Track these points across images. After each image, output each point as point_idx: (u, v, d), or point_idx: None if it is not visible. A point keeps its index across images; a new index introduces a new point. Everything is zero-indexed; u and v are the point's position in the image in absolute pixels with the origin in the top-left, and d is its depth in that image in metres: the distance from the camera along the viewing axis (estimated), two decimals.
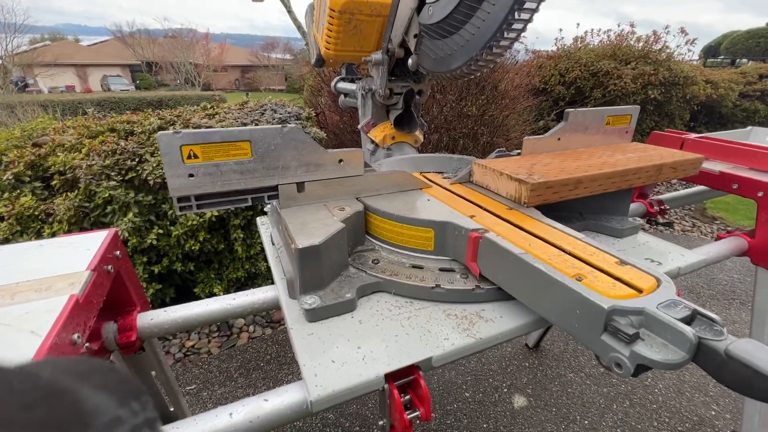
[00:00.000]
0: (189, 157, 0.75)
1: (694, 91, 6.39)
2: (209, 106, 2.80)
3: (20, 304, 0.53)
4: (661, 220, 1.43)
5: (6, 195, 1.86)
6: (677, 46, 6.62)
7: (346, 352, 0.63)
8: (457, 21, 0.80)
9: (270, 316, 2.66)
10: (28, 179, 1.95)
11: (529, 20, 0.70)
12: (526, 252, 0.67)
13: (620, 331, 0.51)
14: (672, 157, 1.13)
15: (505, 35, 0.72)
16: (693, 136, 1.48)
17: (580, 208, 1.11)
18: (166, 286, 2.26)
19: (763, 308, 1.32)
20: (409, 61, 1.03)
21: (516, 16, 0.69)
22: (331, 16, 1.09)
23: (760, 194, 1.19)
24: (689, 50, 6.90)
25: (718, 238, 1.27)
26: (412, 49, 1.02)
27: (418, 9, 0.95)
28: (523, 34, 0.76)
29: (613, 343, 0.52)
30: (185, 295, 2.35)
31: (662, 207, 1.53)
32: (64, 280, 0.58)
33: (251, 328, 2.56)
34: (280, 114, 2.64)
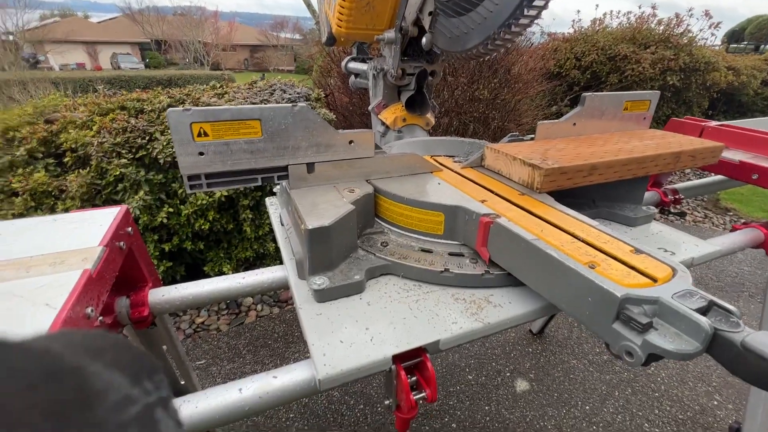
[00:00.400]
0: (199, 135, 0.74)
1: (715, 78, 6.16)
2: (218, 85, 2.78)
3: (35, 278, 0.53)
4: (673, 210, 1.40)
5: (20, 171, 1.88)
6: (700, 30, 6.37)
7: (354, 332, 0.64)
8: None
9: (277, 296, 2.70)
10: (41, 155, 1.97)
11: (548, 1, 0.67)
12: (538, 238, 0.66)
13: (633, 320, 0.50)
14: (691, 144, 1.10)
15: (526, 13, 0.69)
16: (713, 123, 1.43)
17: (593, 195, 1.09)
18: (176, 264, 2.29)
19: None
20: (423, 39, 1.00)
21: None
22: None
23: None
24: (713, 34, 6.62)
25: (734, 230, 1.24)
26: (427, 27, 0.99)
27: None
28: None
29: (624, 332, 0.51)
30: (195, 273, 2.39)
31: (677, 196, 1.49)
32: (77, 255, 0.59)
33: (259, 306, 2.60)
34: (289, 94, 2.61)
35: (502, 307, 0.71)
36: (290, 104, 0.79)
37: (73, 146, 1.95)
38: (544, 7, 0.69)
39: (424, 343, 0.62)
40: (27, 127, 2.05)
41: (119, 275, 0.69)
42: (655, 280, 0.56)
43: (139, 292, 0.79)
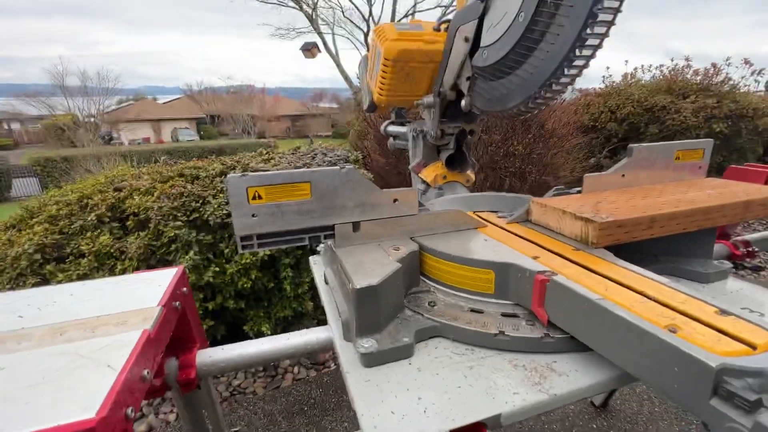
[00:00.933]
0: (254, 198, 0.78)
1: (767, 123, 5.87)
2: (265, 151, 3.01)
3: (99, 338, 0.55)
4: (747, 264, 1.26)
5: (89, 234, 2.06)
6: (742, 78, 6.22)
7: (405, 402, 0.59)
8: (514, 61, 0.81)
9: (315, 357, 2.62)
10: (108, 220, 2.16)
11: (592, 56, 0.69)
12: (603, 297, 0.61)
13: (738, 396, 0.43)
14: (760, 192, 1.02)
15: (566, 72, 0.71)
16: None
17: (655, 249, 1.01)
18: (218, 323, 2.32)
19: None
20: (462, 102, 1.04)
21: (577, 53, 0.68)
22: (384, 65, 1.15)
23: None
24: (756, 81, 6.45)
25: None
26: (465, 91, 1.03)
27: (471, 53, 0.97)
28: None
29: (727, 411, 0.44)
30: (235, 332, 2.40)
31: (749, 249, 1.36)
32: (138, 315, 0.61)
33: (296, 369, 2.53)
34: (330, 157, 2.77)
35: (568, 376, 0.64)
36: (338, 167, 0.83)
37: (135, 211, 2.13)
38: (585, 65, 0.70)
39: (483, 417, 0.56)
40: (98, 195, 2.28)
41: (171, 336, 0.70)
42: (754, 347, 0.48)
43: (187, 353, 0.79)
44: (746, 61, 6.41)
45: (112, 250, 2.02)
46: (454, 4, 1.07)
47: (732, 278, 0.98)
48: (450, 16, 1.07)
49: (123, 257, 2.02)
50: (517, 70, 0.81)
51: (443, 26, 1.12)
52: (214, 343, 0.86)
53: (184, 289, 0.79)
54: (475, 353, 0.70)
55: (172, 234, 2.02)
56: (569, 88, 0.77)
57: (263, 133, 31.71)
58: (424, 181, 1.28)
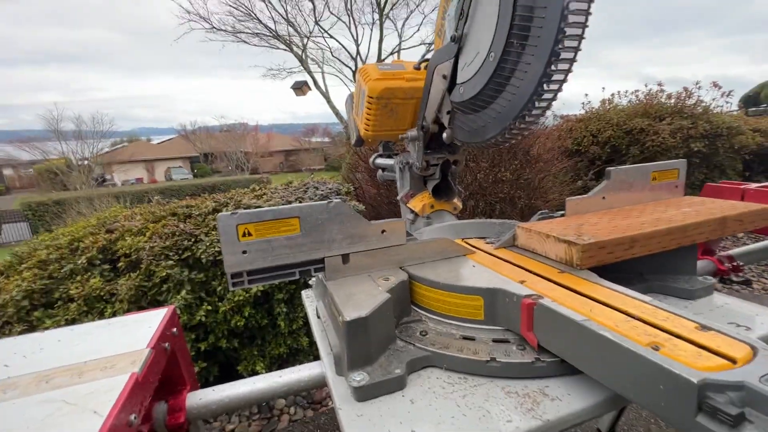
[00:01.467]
0: (244, 234, 0.80)
1: (743, 141, 6.11)
2: (257, 187, 3.05)
3: (87, 383, 0.55)
4: (735, 278, 1.29)
5: (78, 278, 2.04)
6: (713, 99, 6.54)
7: None
8: (488, 97, 0.86)
9: (311, 396, 2.54)
10: (99, 262, 2.14)
11: (559, 89, 0.74)
12: (588, 318, 0.62)
13: (720, 411, 0.44)
14: (734, 209, 1.05)
15: (537, 105, 0.76)
16: (753, 185, 1.39)
17: (640, 268, 1.03)
18: (210, 363, 2.26)
19: None
20: (444, 134, 1.09)
21: (545, 87, 0.73)
22: (369, 102, 1.21)
23: None
24: (726, 102, 6.78)
25: None
26: (446, 124, 1.08)
27: (449, 89, 1.03)
28: None
29: (714, 427, 0.44)
30: (228, 373, 2.33)
31: (734, 264, 1.38)
32: (126, 359, 0.61)
33: (292, 409, 2.44)
34: (322, 191, 2.81)
35: (561, 401, 0.64)
36: (326, 201, 0.85)
37: (127, 252, 2.12)
38: (554, 98, 0.75)
39: None
40: (89, 237, 2.28)
41: (160, 378, 0.69)
42: (734, 362, 0.50)
43: (177, 395, 0.78)
44: (715, 84, 6.78)
45: (102, 293, 1.99)
46: (433, 46, 1.15)
47: (717, 293, 0.99)
48: (429, 56, 1.14)
49: (113, 300, 1.99)
50: (492, 104, 0.86)
51: (423, 65, 1.19)
52: (207, 385, 0.84)
53: (174, 329, 0.78)
54: (468, 381, 0.70)
55: (164, 274, 2.00)
56: (548, 115, 0.81)
57: (256, 168, 32.09)
58: (412, 211, 1.31)
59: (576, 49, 0.69)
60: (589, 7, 0.66)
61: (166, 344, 0.72)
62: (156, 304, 2.06)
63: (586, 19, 0.66)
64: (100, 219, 2.73)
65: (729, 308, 0.92)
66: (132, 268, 2.12)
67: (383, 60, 14.08)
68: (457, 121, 1.04)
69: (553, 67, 0.70)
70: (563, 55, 0.69)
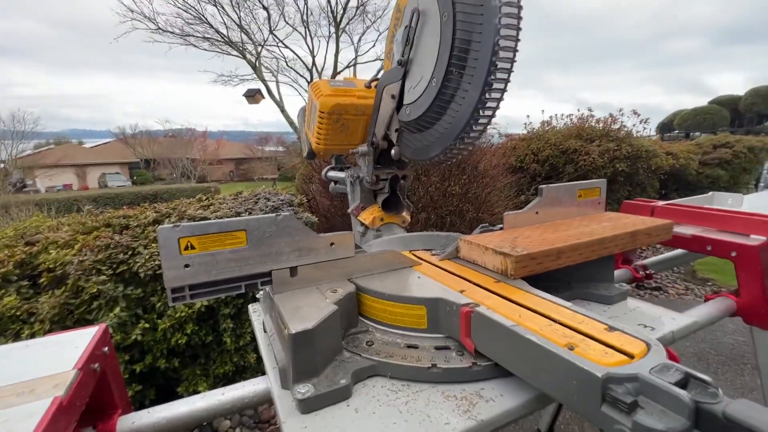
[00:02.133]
0: (186, 248, 0.78)
1: (658, 162, 6.93)
2: (204, 197, 2.92)
3: (0, 410, 0.50)
4: (647, 285, 1.46)
5: None
6: (633, 125, 7.39)
7: None
8: (431, 118, 0.92)
9: (258, 416, 2.44)
10: (15, 278, 1.93)
11: (493, 115, 0.81)
12: (516, 324, 0.68)
13: (618, 401, 0.50)
14: (644, 223, 1.20)
15: (474, 128, 0.83)
16: (660, 203, 1.59)
17: (568, 277, 1.14)
18: (146, 386, 2.10)
19: None
20: (392, 151, 1.14)
21: (481, 113, 0.80)
22: (320, 117, 1.23)
23: (733, 254, 1.24)
24: (644, 128, 7.68)
25: (706, 300, 1.29)
26: (395, 141, 1.13)
27: (398, 108, 1.08)
28: (494, 120, 0.87)
29: (614, 414, 0.51)
30: (165, 396, 2.17)
31: (647, 272, 1.56)
32: (48, 382, 0.57)
33: (237, 430, 2.32)
34: (273, 202, 2.76)
35: (495, 401, 0.69)
36: (274, 214, 0.86)
37: (51, 266, 1.93)
38: (488, 122, 0.83)
39: None
40: (5, 251, 2.04)
41: (88, 401, 0.65)
42: (632, 357, 0.57)
43: (107, 420, 0.73)
44: (635, 112, 7.68)
45: (19, 313, 1.78)
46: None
47: (631, 299, 1.12)
48: (380, 75, 1.19)
49: (32, 320, 1.79)
50: (435, 125, 0.92)
51: (374, 84, 1.23)
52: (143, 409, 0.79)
53: (105, 348, 0.74)
54: (410, 388, 0.73)
55: (95, 290, 1.85)
56: (493, 134, 0.88)
57: (204, 177, 30.50)
58: (363, 224, 1.34)
59: (506, 81, 0.77)
60: (516, 45, 0.74)
61: (96, 365, 0.67)
62: (84, 323, 1.88)
63: (514, 55, 0.74)
64: (18, 230, 2.46)
65: (639, 311, 1.05)
66: (56, 285, 1.93)
67: (339, 72, 14.19)
68: (404, 139, 1.10)
69: (487, 95, 0.78)
70: (495, 85, 0.76)
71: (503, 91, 0.78)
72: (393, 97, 1.07)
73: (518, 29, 0.73)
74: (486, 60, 0.74)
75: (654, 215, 1.57)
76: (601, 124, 6.89)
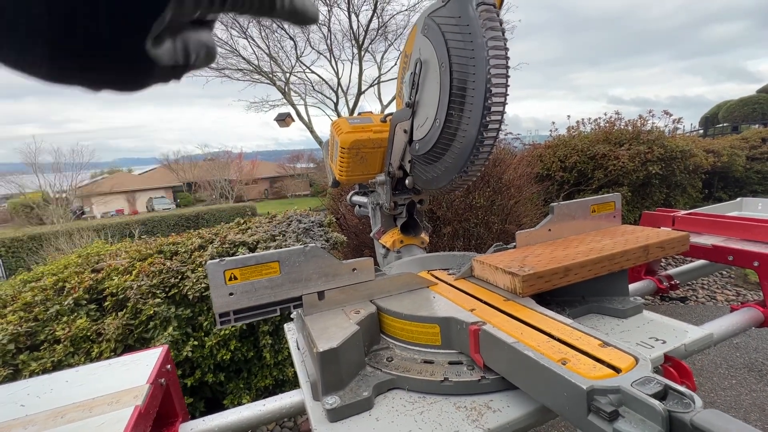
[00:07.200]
0: (230, 279, 0.92)
1: (697, 162, 6.58)
2: (242, 221, 3.15)
3: (96, 417, 0.64)
4: (674, 296, 1.44)
5: (65, 319, 2.08)
6: (665, 126, 7.09)
7: None
8: (437, 153, 1.03)
9: (298, 428, 2.56)
10: (85, 302, 2.19)
11: (490, 151, 0.91)
12: (517, 340, 0.76)
13: (601, 410, 0.57)
14: (657, 237, 1.22)
15: (475, 162, 0.92)
16: (682, 213, 1.59)
17: (582, 291, 1.18)
18: (196, 399, 2.29)
19: None
20: (407, 181, 1.25)
21: (480, 150, 0.89)
22: (342, 152, 1.37)
23: (756, 264, 1.24)
24: (676, 128, 7.34)
25: (732, 310, 1.28)
26: (408, 171, 1.24)
27: (410, 142, 1.20)
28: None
29: (598, 423, 0.58)
30: (213, 408, 2.35)
31: (672, 282, 1.56)
32: (130, 394, 0.71)
33: None
34: (305, 224, 2.93)
35: (501, 412, 0.76)
36: (303, 245, 0.98)
37: (114, 291, 2.18)
38: (488, 157, 0.92)
39: None
40: (75, 277, 2.32)
41: (157, 411, 0.79)
42: (618, 371, 0.64)
43: (170, 427, 0.87)
44: (666, 112, 7.37)
45: (89, 333, 2.03)
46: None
47: (646, 311, 1.15)
48: (393, 111, 1.31)
49: (100, 339, 2.03)
50: (441, 159, 1.02)
51: (388, 118, 1.36)
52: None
53: (168, 366, 0.88)
54: (425, 400, 0.82)
55: (151, 312, 2.06)
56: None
57: (241, 196, 31.91)
58: (384, 246, 1.45)
59: (500, 121, 0.86)
60: (506, 90, 0.83)
61: (162, 380, 0.82)
62: (143, 341, 2.10)
63: (505, 99, 0.84)
64: (81, 256, 2.77)
65: (653, 324, 1.07)
66: (119, 307, 2.17)
67: (363, 92, 14.61)
68: (416, 169, 1.20)
69: (484, 134, 0.87)
70: (490, 125, 0.86)
71: (498, 129, 0.87)
72: (405, 131, 1.19)
73: (507, 76, 0.82)
74: (480, 103, 0.84)
75: (675, 226, 1.57)
76: (630, 127, 6.67)
